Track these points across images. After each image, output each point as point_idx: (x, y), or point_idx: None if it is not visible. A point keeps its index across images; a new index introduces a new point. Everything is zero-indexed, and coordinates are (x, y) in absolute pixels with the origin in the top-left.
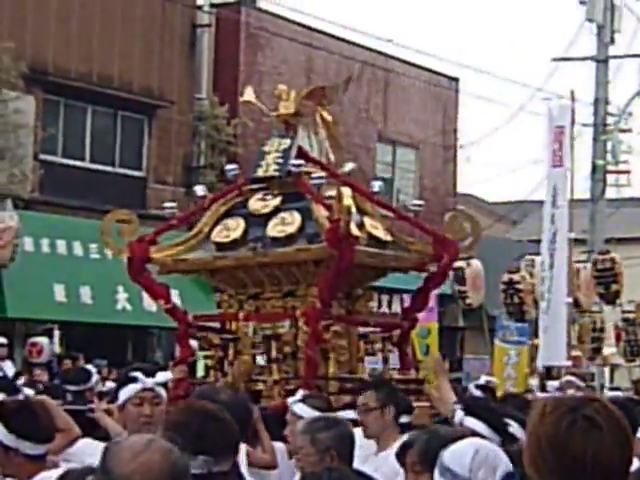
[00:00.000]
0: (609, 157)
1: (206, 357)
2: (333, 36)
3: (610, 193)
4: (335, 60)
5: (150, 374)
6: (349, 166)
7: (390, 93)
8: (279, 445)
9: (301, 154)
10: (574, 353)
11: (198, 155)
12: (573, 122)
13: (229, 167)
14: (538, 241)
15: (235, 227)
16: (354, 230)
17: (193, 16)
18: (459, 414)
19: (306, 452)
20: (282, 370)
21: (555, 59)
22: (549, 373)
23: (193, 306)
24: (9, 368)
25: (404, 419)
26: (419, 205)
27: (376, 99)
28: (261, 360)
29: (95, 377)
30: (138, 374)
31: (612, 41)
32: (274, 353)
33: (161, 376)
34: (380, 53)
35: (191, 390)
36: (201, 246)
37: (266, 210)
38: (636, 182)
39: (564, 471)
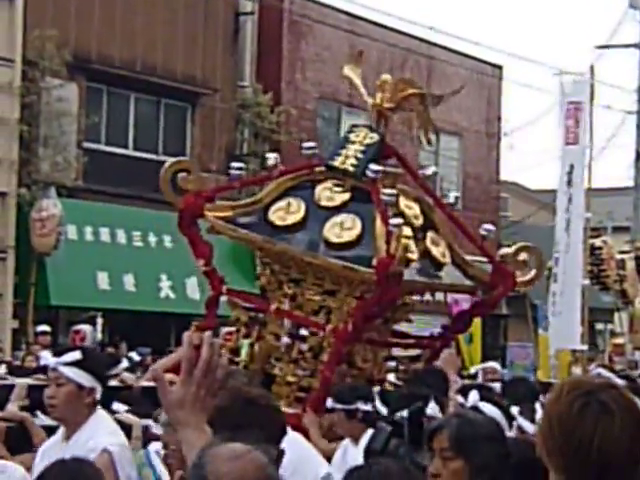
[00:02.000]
0: None
1: (230, 333)
2: (376, 23)
3: None
4: (378, 48)
5: (59, 354)
6: (431, 169)
7: (433, 81)
8: None
9: (387, 150)
10: (617, 341)
11: (241, 143)
12: (592, 99)
13: (307, 145)
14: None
15: (295, 211)
16: (410, 249)
17: (236, 4)
18: (474, 396)
19: (176, 447)
20: (300, 367)
21: (599, 46)
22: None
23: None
24: (49, 358)
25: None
26: (489, 231)
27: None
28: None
29: (123, 364)
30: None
31: None
32: (295, 353)
33: (69, 356)
34: (423, 40)
35: None
36: (257, 214)
37: (331, 204)
38: None
39: (570, 453)
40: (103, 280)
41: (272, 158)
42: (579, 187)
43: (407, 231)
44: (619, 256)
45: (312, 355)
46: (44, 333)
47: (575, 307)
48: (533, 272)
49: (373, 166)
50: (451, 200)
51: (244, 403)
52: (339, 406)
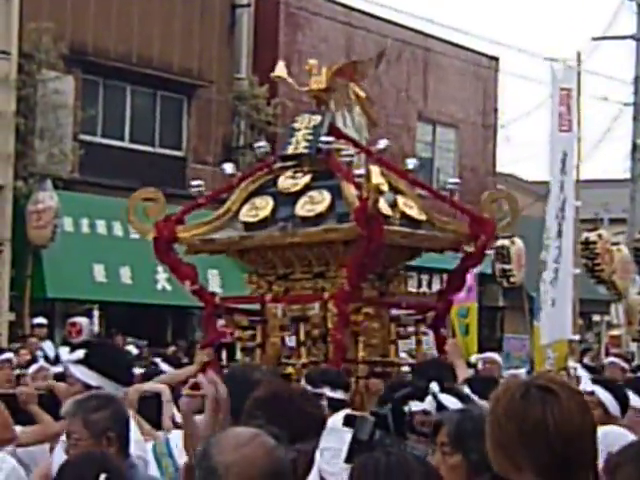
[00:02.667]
0: None
1: (236, 339)
2: (372, 15)
3: None
4: (374, 39)
5: (71, 351)
6: (383, 143)
7: (430, 72)
8: None
9: (333, 131)
10: (614, 333)
11: (238, 135)
12: (579, 87)
13: (259, 144)
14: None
15: (264, 206)
16: (385, 209)
17: None
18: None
19: (79, 436)
20: (311, 353)
21: (595, 38)
22: (586, 354)
23: (233, 286)
24: (49, 349)
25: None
26: (455, 184)
27: (416, 79)
28: (290, 342)
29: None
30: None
31: None
32: (302, 336)
33: (75, 354)
34: (419, 32)
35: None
36: (229, 225)
37: (295, 188)
38: None
39: (527, 440)
40: (99, 272)
41: (263, 146)
42: (571, 175)
43: (375, 169)
44: (608, 246)
45: (320, 335)
46: (40, 325)
47: (567, 296)
48: (509, 216)
49: (324, 138)
50: (410, 167)
51: (282, 396)
52: (308, 387)
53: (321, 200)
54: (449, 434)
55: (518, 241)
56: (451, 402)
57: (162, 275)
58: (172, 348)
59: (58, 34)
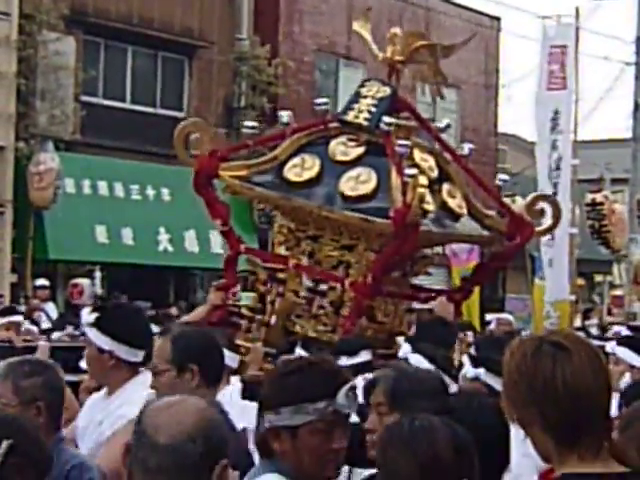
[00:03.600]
0: None
1: (250, 290)
2: None
3: None
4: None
5: (92, 312)
6: (444, 122)
7: (431, 32)
8: None
9: (399, 102)
10: (616, 293)
11: (239, 96)
12: (577, 44)
13: (319, 101)
14: (580, 181)
15: (310, 166)
16: (426, 201)
17: None
18: (405, 348)
19: (7, 401)
20: (320, 322)
21: None
22: (588, 313)
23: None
24: (52, 310)
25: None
26: (505, 181)
27: None
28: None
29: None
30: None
31: None
32: (315, 308)
33: (90, 317)
34: None
35: (226, 317)
36: (272, 172)
37: (345, 158)
38: None
39: (538, 398)
40: (101, 234)
41: (285, 116)
42: (567, 134)
43: (423, 180)
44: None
45: (333, 310)
46: (43, 287)
47: (563, 256)
48: (550, 221)
49: (386, 119)
50: (465, 152)
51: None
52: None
53: (367, 180)
54: (385, 393)
55: (519, 199)
56: (420, 363)
57: (164, 236)
58: (174, 309)
59: None
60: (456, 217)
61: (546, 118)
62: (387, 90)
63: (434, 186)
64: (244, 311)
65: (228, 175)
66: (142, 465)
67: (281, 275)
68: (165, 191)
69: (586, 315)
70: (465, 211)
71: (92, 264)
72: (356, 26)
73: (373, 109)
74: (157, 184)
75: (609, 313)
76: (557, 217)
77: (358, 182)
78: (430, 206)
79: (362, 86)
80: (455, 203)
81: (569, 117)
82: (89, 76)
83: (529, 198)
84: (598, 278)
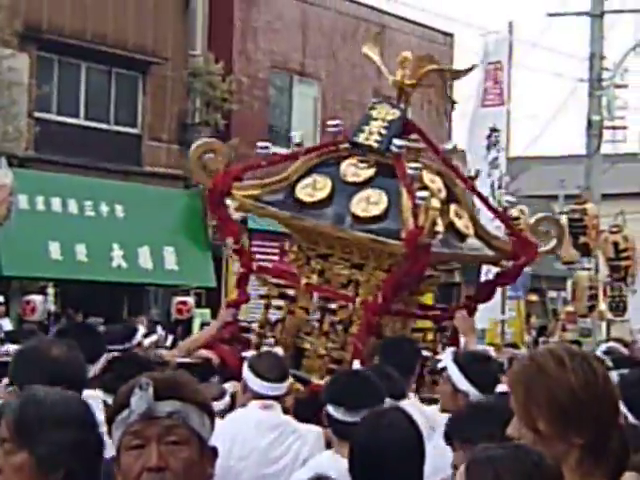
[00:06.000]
0: (605, 113)
1: (263, 301)
2: None
3: (606, 149)
4: (330, 16)
5: None
6: (451, 144)
7: (385, 49)
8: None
9: (407, 125)
10: (570, 309)
11: (193, 112)
12: (510, 57)
13: (331, 122)
14: (532, 197)
15: (322, 187)
16: (436, 226)
17: None
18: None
19: None
20: (330, 339)
21: (550, 14)
22: (543, 331)
23: (188, 264)
24: (7, 326)
25: None
26: (511, 202)
27: None
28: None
29: (140, 332)
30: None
31: None
32: (326, 326)
33: None
34: (375, 9)
35: (237, 334)
36: (283, 191)
37: (356, 179)
38: (632, 138)
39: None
40: (55, 250)
41: (297, 136)
42: (502, 150)
43: (435, 202)
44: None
45: (342, 328)
46: None
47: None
48: (554, 242)
49: (397, 141)
50: (472, 173)
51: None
52: None
53: (377, 202)
54: (9, 426)
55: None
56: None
57: (117, 252)
58: (139, 325)
59: (12, 11)
60: (463, 237)
61: (482, 135)
62: (396, 112)
63: (442, 207)
64: (254, 327)
65: (241, 194)
66: None
67: (291, 292)
68: (119, 207)
69: (541, 332)
70: (472, 232)
71: (45, 280)
72: (365, 49)
73: (384, 131)
74: (111, 200)
75: (563, 329)
76: (560, 237)
77: (369, 203)
78: (439, 227)
79: (372, 108)
80: (462, 223)
81: (507, 135)
82: (43, 92)
83: (534, 219)
84: (552, 294)
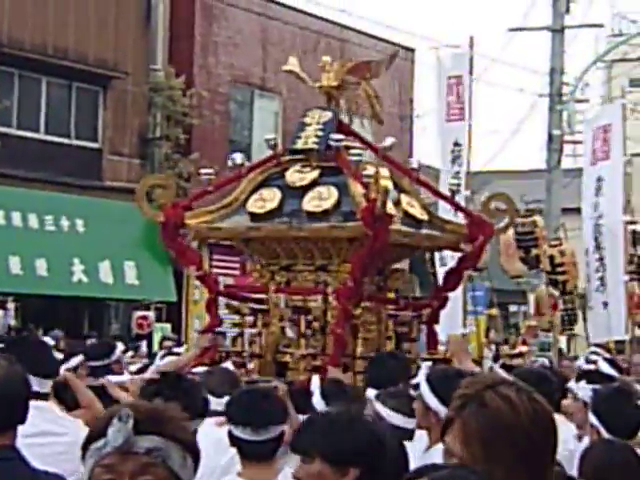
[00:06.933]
0: (565, 127)
1: (235, 325)
2: (288, 6)
3: (566, 163)
4: (290, 31)
5: None
6: (389, 141)
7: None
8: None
9: (342, 127)
10: (530, 323)
11: (154, 126)
12: (471, 72)
13: (269, 137)
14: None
15: (271, 198)
16: (390, 209)
17: None
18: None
19: None
20: (310, 345)
21: (511, 29)
22: (505, 344)
23: (149, 279)
24: None
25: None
26: (457, 185)
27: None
28: (290, 332)
29: (119, 349)
30: None
31: (567, 11)
32: (303, 327)
33: None
34: (335, 24)
35: (217, 359)
36: (236, 214)
37: (303, 183)
38: None
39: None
40: (15, 265)
41: (238, 158)
42: (462, 165)
43: (384, 172)
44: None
45: (319, 329)
46: None
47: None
48: (507, 218)
49: (334, 136)
50: (414, 166)
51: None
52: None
53: (328, 196)
54: None
55: None
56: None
57: (78, 267)
58: (93, 340)
59: None
60: (419, 222)
61: (447, 150)
62: (329, 114)
63: (394, 199)
64: (231, 347)
65: (195, 222)
66: None
67: (263, 305)
68: (79, 222)
69: (499, 347)
70: (426, 217)
71: (5, 295)
72: (288, 65)
73: (320, 133)
74: (71, 215)
75: (524, 343)
76: (512, 213)
77: (321, 199)
78: (394, 211)
79: (305, 116)
80: (416, 211)
81: (469, 150)
82: (3, 106)
83: (483, 198)
84: (513, 308)
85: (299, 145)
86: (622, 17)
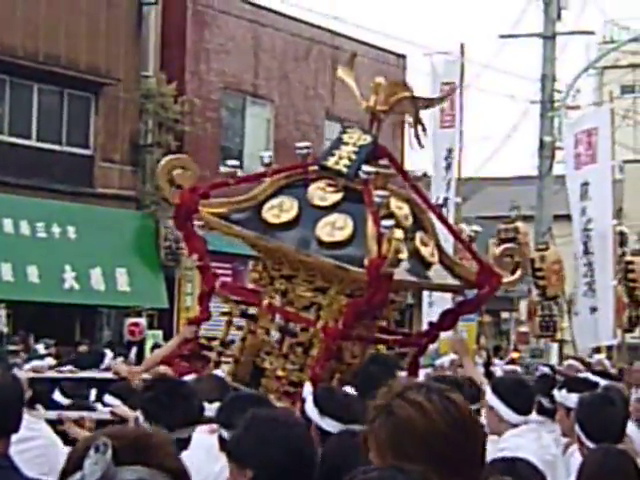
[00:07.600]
0: (556, 134)
1: (224, 314)
2: (280, 13)
3: (557, 170)
4: (282, 37)
5: None
6: (420, 171)
7: (337, 70)
8: None
9: (379, 149)
10: (522, 329)
11: (145, 133)
12: (462, 79)
13: (301, 145)
14: (486, 217)
15: (288, 209)
16: (399, 254)
17: None
18: (489, 393)
19: None
20: (289, 360)
21: (502, 36)
22: (497, 351)
23: (140, 285)
24: None
25: None
26: (476, 232)
27: (323, 76)
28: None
29: (108, 357)
30: None
31: (559, 17)
32: (285, 349)
33: None
34: (327, 30)
35: (196, 351)
36: (250, 211)
37: (323, 203)
38: None
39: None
40: (6, 272)
41: (267, 157)
42: (454, 172)
43: (399, 233)
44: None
45: (302, 350)
46: None
47: (444, 296)
48: (518, 273)
49: (366, 167)
50: (440, 201)
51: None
52: None
53: (343, 227)
54: None
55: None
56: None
57: (69, 274)
58: (84, 347)
59: None
60: (427, 265)
61: (440, 157)
62: (368, 138)
63: (408, 234)
64: (214, 345)
65: (207, 211)
66: None
67: (253, 312)
68: (71, 229)
69: (495, 352)
70: (436, 259)
71: None
72: (340, 73)
73: (354, 156)
74: (63, 222)
75: (515, 350)
76: (524, 267)
77: (335, 228)
78: (404, 255)
79: (344, 132)
80: (427, 251)
81: (458, 155)
82: None
83: (499, 250)
84: (504, 315)
85: (329, 163)
86: (614, 24)
